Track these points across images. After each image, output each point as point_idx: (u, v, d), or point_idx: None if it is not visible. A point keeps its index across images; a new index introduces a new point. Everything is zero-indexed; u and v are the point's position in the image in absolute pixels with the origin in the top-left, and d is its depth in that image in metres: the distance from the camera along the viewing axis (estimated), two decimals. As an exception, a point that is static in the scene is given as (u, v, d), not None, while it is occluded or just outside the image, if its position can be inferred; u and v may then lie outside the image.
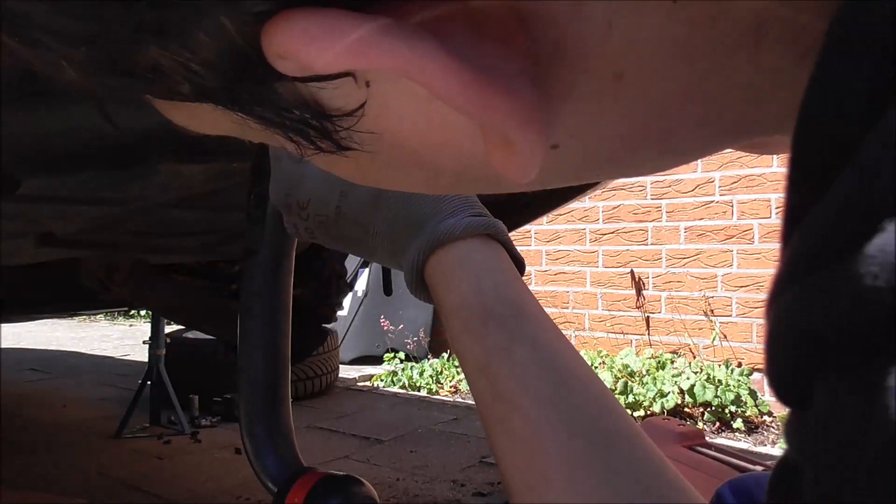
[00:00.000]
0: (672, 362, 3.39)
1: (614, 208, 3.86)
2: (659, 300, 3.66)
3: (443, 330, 0.53)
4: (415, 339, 4.43)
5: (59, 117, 0.79)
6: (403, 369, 4.05)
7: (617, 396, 3.24)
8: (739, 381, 3.10)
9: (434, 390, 3.83)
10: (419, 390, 3.86)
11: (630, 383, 3.22)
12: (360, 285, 4.79)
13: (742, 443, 2.85)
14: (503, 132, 0.19)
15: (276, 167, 0.50)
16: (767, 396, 3.26)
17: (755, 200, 3.38)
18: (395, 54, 0.17)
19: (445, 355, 4.12)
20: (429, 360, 4.26)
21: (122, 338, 6.26)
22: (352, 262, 3.31)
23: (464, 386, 3.69)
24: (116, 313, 7.47)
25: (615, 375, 3.31)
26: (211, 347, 3.22)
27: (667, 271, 3.64)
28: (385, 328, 4.48)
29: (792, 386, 0.15)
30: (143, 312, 6.86)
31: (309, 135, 0.21)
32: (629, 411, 3.12)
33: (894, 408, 0.11)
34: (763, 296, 3.28)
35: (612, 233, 3.86)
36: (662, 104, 0.21)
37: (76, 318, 7.23)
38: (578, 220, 3.97)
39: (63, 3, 0.17)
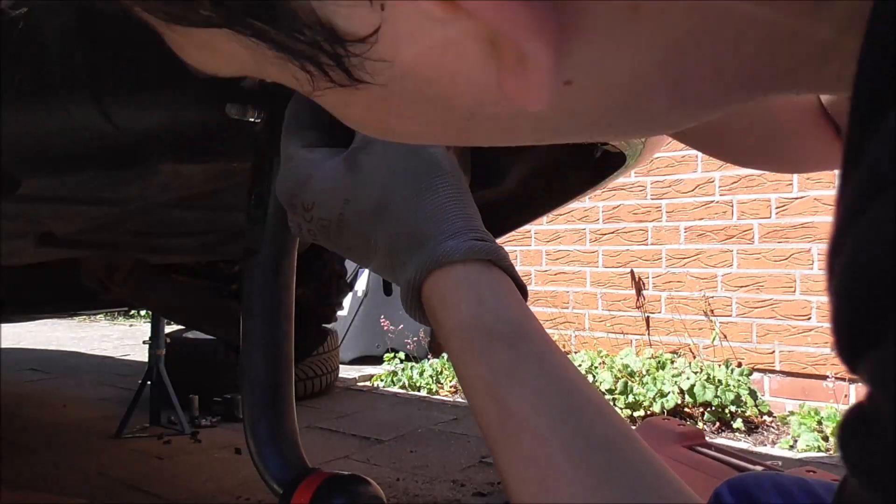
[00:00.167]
0: (672, 362, 3.39)
1: (614, 208, 3.86)
2: (659, 300, 3.66)
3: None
4: (415, 339, 4.43)
5: (59, 117, 0.79)
6: (403, 369, 4.05)
7: (617, 396, 3.24)
8: (739, 381, 3.10)
9: (434, 390, 3.83)
10: (419, 390, 3.86)
11: (630, 383, 3.22)
12: (360, 285, 4.79)
13: (742, 443, 2.85)
14: (517, 45, 0.19)
15: (285, 165, 0.49)
16: (767, 396, 3.26)
17: (755, 200, 3.38)
18: None
19: (445, 355, 4.12)
20: (429, 360, 4.26)
21: (122, 338, 6.25)
22: (352, 262, 3.31)
23: (464, 386, 3.68)
24: (116, 313, 7.47)
25: (615, 375, 3.31)
26: (211, 347, 3.22)
27: (667, 271, 3.64)
28: (385, 328, 4.48)
29: (867, 323, 0.15)
30: (143, 312, 6.85)
31: (321, 64, 0.21)
32: (629, 411, 3.12)
33: None
34: (763, 296, 3.28)
35: (612, 233, 3.86)
36: (677, 42, 0.21)
37: (76, 318, 7.22)
38: (578, 220, 3.97)
39: None
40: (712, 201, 3.51)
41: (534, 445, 0.34)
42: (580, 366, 3.46)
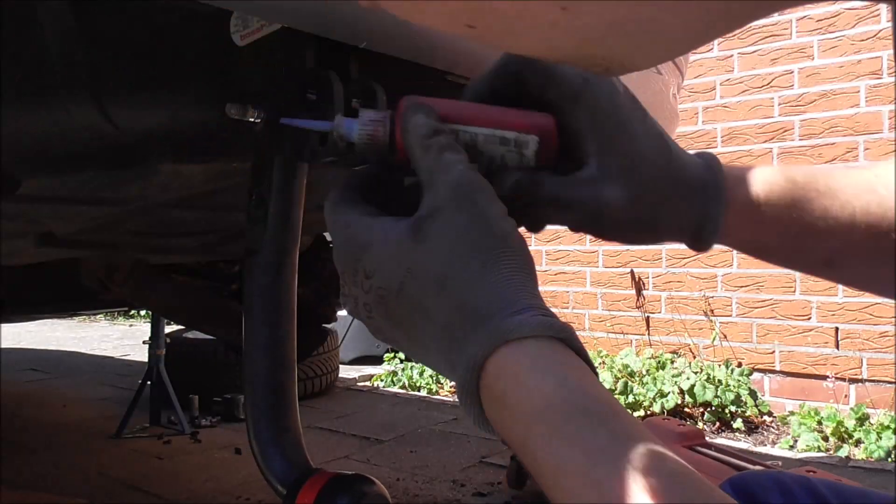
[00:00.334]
0: (672, 362, 3.39)
1: (614, 208, 3.85)
2: (659, 300, 3.66)
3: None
4: (415, 339, 4.43)
5: (59, 117, 0.79)
6: (403, 369, 4.05)
7: (617, 396, 3.24)
8: (739, 381, 3.10)
9: (434, 390, 3.83)
10: (419, 390, 3.86)
11: (630, 383, 3.22)
12: (360, 285, 4.78)
13: (742, 443, 2.85)
14: None
15: (342, 231, 0.46)
16: (767, 396, 3.26)
17: (755, 200, 3.37)
18: None
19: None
20: (429, 360, 4.25)
21: (122, 338, 6.25)
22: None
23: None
24: (116, 313, 7.47)
25: (615, 375, 3.31)
26: (211, 347, 3.22)
27: (667, 271, 3.64)
28: (385, 328, 4.48)
29: None
30: (143, 312, 6.85)
31: None
32: (629, 411, 3.12)
33: None
34: (763, 296, 3.28)
35: (612, 233, 3.86)
36: None
37: (76, 318, 7.22)
38: (578, 219, 3.97)
39: None
40: (712, 201, 3.51)
41: None
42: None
